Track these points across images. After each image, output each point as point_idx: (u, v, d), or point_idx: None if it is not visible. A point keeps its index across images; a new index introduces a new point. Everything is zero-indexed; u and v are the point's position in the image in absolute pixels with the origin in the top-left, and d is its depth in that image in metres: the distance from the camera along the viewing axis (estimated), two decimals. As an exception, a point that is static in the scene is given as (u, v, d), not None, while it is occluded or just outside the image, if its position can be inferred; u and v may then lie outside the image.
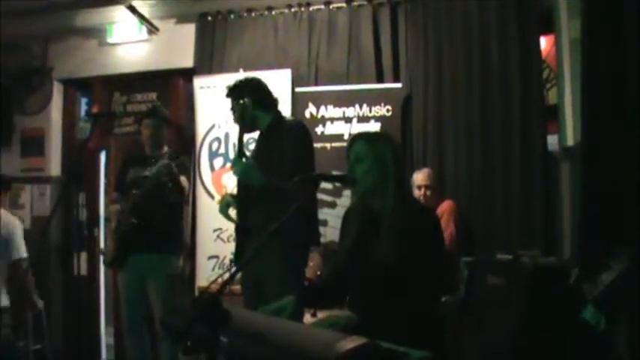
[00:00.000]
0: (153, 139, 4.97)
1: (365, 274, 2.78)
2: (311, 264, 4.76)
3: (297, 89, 5.85)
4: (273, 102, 4.11)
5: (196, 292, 5.84)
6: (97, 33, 6.85)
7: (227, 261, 5.69)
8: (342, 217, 3.19)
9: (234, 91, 4.05)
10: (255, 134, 4.20)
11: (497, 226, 5.38)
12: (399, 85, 5.78)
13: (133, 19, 6.48)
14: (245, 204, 3.96)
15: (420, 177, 5.25)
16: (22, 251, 5.18)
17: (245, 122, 3.99)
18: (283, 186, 3.56)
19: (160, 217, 4.78)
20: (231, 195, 4.32)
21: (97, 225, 6.99)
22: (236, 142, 3.95)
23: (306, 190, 3.03)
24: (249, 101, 3.95)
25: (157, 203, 4.73)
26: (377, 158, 2.83)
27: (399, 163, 2.96)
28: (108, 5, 6.55)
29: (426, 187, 5.22)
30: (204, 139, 6.05)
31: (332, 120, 5.76)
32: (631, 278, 2.58)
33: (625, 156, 2.86)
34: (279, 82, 5.30)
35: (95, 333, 6.94)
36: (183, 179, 4.83)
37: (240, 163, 3.87)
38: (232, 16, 6.31)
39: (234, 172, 3.93)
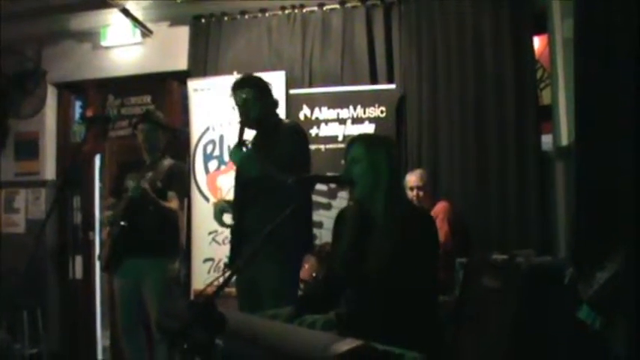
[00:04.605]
0: (148, 144, 4.95)
1: (361, 276, 2.78)
2: (306, 266, 4.76)
3: (292, 91, 5.84)
4: (275, 102, 4.12)
5: (192, 295, 5.84)
6: (90, 36, 6.83)
7: (222, 264, 5.68)
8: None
9: (244, 85, 4.03)
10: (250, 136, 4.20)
11: (492, 227, 5.38)
12: (392, 86, 5.77)
13: (127, 22, 6.47)
14: (242, 205, 3.96)
15: (412, 178, 5.21)
16: None
17: (250, 116, 3.98)
18: (281, 177, 3.55)
19: (154, 220, 4.77)
20: (226, 200, 4.32)
21: (92, 229, 6.98)
22: (231, 145, 3.95)
23: (302, 192, 3.03)
24: (256, 96, 3.96)
25: (150, 207, 4.73)
26: (372, 162, 2.84)
27: (394, 170, 2.96)
28: (101, 8, 6.54)
29: (419, 188, 5.17)
30: (198, 141, 6.04)
31: (326, 121, 5.76)
32: (626, 277, 2.59)
33: (619, 155, 2.86)
34: (273, 84, 5.29)
35: (91, 336, 6.93)
36: (171, 194, 4.86)
37: (238, 152, 3.87)
38: (226, 19, 6.30)
39: (232, 161, 3.93)
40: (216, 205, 4.22)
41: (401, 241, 2.68)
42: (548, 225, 5.26)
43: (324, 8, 6.03)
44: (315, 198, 5.33)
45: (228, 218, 4.08)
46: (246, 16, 6.26)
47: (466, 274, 4.16)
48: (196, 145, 6.05)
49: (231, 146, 4.01)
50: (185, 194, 5.41)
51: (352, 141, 2.98)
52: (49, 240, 6.83)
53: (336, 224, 3.14)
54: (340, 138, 5.67)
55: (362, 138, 3.07)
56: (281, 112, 4.72)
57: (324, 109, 5.77)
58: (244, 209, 3.92)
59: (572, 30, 3.42)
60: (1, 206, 7.02)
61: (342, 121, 5.73)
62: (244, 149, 3.91)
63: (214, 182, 5.96)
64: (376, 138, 3.22)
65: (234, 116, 4.10)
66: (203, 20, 6.37)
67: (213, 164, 6.01)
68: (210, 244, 5.81)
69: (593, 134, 3.08)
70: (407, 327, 2.52)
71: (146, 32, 6.55)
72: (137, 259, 4.77)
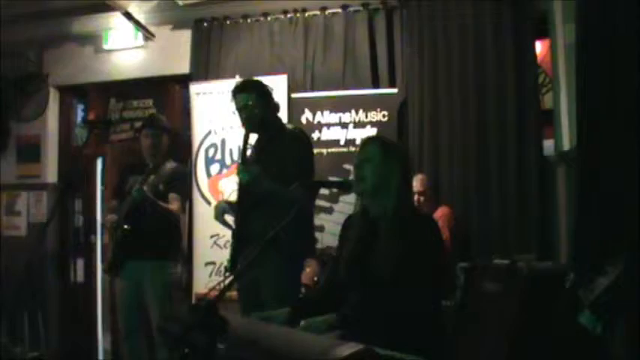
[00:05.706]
0: (153, 148, 4.95)
1: (365, 280, 2.78)
2: (307, 270, 4.76)
3: (293, 95, 5.84)
4: (277, 106, 4.12)
5: (193, 299, 5.83)
6: (92, 39, 6.84)
7: (223, 267, 5.66)
8: (339, 222, 3.19)
9: (245, 89, 4.01)
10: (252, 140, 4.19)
11: (494, 232, 5.36)
12: (394, 90, 5.77)
13: (129, 26, 6.48)
14: (244, 208, 3.94)
15: (413, 183, 5.18)
16: None
17: (251, 120, 3.96)
18: (288, 193, 3.55)
19: (156, 223, 4.77)
20: (227, 201, 4.30)
21: (94, 232, 6.97)
22: (233, 148, 3.93)
23: (306, 197, 3.03)
24: (257, 100, 3.95)
25: (152, 210, 4.72)
26: (384, 164, 2.84)
27: (405, 176, 2.95)
28: (104, 12, 6.55)
29: (420, 193, 5.16)
30: (200, 145, 6.04)
31: (328, 125, 5.76)
32: (627, 282, 2.59)
33: (620, 160, 2.86)
34: (275, 88, 5.29)
35: (92, 339, 6.91)
36: (172, 196, 4.85)
37: (246, 171, 3.84)
38: (228, 22, 6.31)
39: (241, 179, 3.91)
40: (217, 205, 4.20)
41: (406, 245, 2.68)
42: (549, 230, 5.25)
43: (326, 12, 6.04)
44: (317, 202, 5.32)
45: (229, 219, 4.07)
46: (249, 20, 6.26)
47: (467, 278, 4.15)
48: (198, 149, 6.05)
49: (234, 151, 3.98)
50: (187, 197, 5.41)
51: (366, 141, 2.99)
52: (50, 243, 6.82)
53: (343, 229, 3.14)
54: (342, 142, 5.67)
55: (376, 139, 3.07)
56: (283, 116, 4.71)
57: (326, 113, 5.77)
58: (247, 213, 3.91)
59: (574, 35, 3.42)
60: (2, 209, 7.02)
61: (344, 125, 5.74)
62: (250, 166, 3.88)
63: (216, 186, 5.95)
64: (392, 144, 3.22)
65: (236, 120, 4.10)
66: (205, 24, 6.38)
67: (214, 168, 6.00)
68: (211, 247, 5.80)
69: (595, 139, 3.08)
70: (409, 332, 2.52)
71: (148, 36, 6.56)
72: (139, 262, 4.76)
